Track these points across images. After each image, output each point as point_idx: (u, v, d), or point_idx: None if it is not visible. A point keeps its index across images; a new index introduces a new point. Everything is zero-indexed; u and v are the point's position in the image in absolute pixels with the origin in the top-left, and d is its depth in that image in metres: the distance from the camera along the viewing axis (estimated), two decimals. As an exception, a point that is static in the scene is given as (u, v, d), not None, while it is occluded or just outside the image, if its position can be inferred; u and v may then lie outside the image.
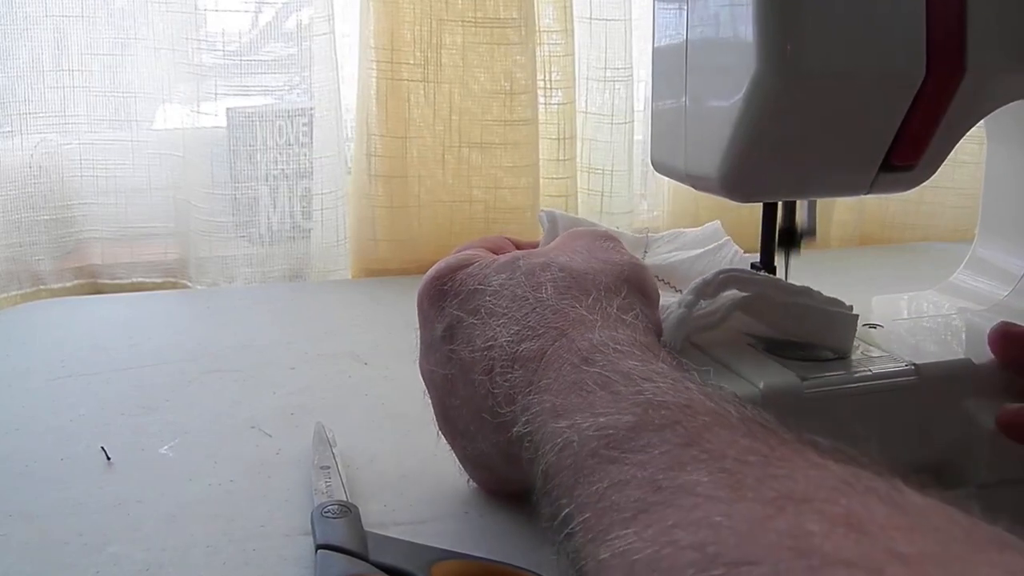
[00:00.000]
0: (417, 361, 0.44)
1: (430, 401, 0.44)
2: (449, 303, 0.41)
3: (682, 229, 0.53)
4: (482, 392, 0.38)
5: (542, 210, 0.51)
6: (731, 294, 0.43)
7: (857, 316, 0.44)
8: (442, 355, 0.41)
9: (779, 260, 0.49)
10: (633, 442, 0.28)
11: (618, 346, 0.34)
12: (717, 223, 0.52)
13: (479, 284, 0.40)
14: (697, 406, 0.29)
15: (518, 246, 0.47)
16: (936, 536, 0.20)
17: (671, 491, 0.25)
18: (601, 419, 0.29)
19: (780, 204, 0.48)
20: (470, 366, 0.39)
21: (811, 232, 0.48)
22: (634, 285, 0.40)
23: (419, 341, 0.44)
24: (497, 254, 0.44)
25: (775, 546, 0.21)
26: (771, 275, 0.46)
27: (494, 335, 0.38)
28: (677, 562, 0.22)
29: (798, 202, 0.48)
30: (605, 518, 0.26)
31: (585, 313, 0.37)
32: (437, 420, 0.44)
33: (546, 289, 0.38)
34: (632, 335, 0.35)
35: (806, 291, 0.45)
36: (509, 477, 0.42)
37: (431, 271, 0.43)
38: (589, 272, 0.40)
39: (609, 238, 0.44)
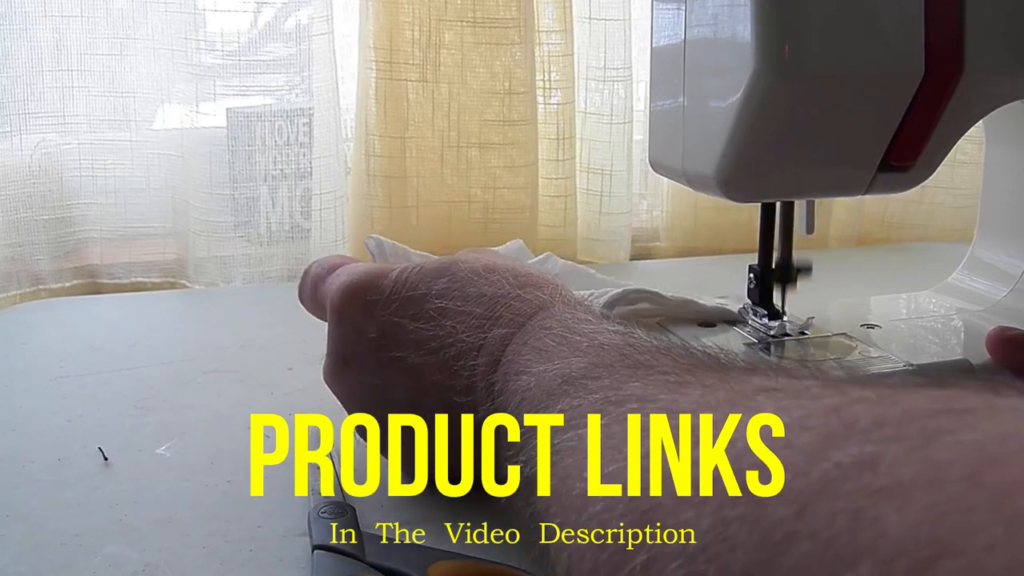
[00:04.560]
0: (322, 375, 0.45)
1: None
2: (380, 312, 0.41)
3: (493, 249, 0.59)
4: (434, 390, 0.39)
5: (369, 236, 0.54)
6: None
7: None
8: (374, 362, 0.42)
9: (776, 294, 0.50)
10: (586, 377, 0.31)
11: (576, 319, 0.36)
12: (519, 242, 0.60)
13: (413, 291, 0.41)
14: (643, 344, 0.32)
15: None
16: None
17: (620, 398, 0.28)
18: (558, 365, 0.32)
19: (776, 236, 0.49)
20: (418, 368, 0.40)
21: (807, 268, 0.49)
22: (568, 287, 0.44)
23: (329, 357, 0.44)
24: None
25: (712, 400, 0.25)
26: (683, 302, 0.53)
27: (449, 333, 0.39)
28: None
29: (793, 228, 0.49)
30: (559, 428, 0.29)
31: (546, 299, 0.39)
32: (357, 429, 0.45)
33: (502, 285, 0.40)
34: (587, 316, 0.38)
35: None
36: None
37: (345, 285, 0.43)
38: (533, 273, 0.42)
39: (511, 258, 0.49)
